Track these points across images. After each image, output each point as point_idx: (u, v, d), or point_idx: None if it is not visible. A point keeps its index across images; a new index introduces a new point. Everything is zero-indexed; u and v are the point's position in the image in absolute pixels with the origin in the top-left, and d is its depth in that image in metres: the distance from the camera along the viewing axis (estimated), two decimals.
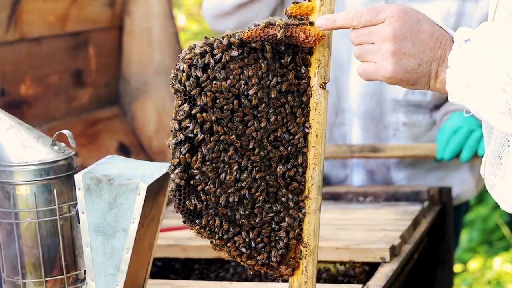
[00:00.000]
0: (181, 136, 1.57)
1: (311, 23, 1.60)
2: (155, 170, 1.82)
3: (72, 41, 2.79)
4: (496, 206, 4.89)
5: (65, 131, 1.85)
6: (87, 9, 2.82)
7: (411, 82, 1.53)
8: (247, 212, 1.62)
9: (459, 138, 2.61)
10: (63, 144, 1.89)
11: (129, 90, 3.00)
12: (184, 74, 1.55)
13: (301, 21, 1.59)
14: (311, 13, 1.60)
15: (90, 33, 2.87)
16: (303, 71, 1.64)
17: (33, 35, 2.63)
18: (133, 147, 2.96)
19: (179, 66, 1.56)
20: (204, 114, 1.56)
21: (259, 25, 1.55)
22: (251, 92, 1.58)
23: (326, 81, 1.63)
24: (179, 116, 1.57)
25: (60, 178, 1.82)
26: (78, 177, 1.76)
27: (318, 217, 1.67)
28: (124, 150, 2.94)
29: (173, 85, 1.58)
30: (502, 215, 4.92)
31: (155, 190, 1.80)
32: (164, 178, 1.82)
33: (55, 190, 1.81)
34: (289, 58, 1.61)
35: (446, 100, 2.71)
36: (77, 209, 1.79)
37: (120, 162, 1.86)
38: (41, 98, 2.68)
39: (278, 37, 1.56)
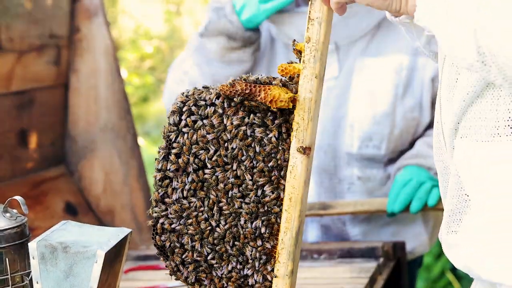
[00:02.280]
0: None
1: (284, 84, 1.59)
2: (112, 236, 1.75)
3: (16, 100, 2.72)
4: (439, 254, 4.87)
5: (17, 197, 1.78)
6: (31, 68, 2.75)
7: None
8: (214, 260, 1.64)
9: (409, 190, 2.57)
10: (14, 210, 1.81)
11: (76, 149, 2.94)
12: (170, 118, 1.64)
13: (281, 81, 1.59)
14: (294, 74, 1.59)
15: (35, 91, 2.80)
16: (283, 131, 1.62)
17: None
18: (80, 207, 2.89)
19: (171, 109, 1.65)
20: (179, 159, 1.62)
21: (233, 80, 1.60)
22: (233, 145, 1.60)
23: (304, 146, 1.58)
24: (159, 157, 1.65)
25: (12, 246, 1.74)
26: (32, 245, 1.69)
27: (288, 283, 1.62)
28: (71, 210, 2.86)
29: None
30: (446, 262, 4.91)
31: (112, 256, 1.74)
32: (121, 244, 1.75)
33: (7, 259, 1.73)
34: (272, 118, 1.60)
35: (401, 154, 2.68)
36: (31, 278, 1.71)
37: (75, 228, 1.79)
38: None
39: (238, 92, 1.58)
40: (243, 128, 1.61)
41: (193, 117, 1.64)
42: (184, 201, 1.65)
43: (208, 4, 2.74)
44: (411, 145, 2.69)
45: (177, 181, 1.65)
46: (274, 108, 1.58)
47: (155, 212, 1.67)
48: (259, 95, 1.57)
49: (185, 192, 1.65)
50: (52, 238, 1.71)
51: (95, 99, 2.92)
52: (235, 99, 1.60)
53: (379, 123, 2.57)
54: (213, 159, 1.64)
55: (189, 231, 1.65)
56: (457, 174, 1.57)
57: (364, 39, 2.61)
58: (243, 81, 1.59)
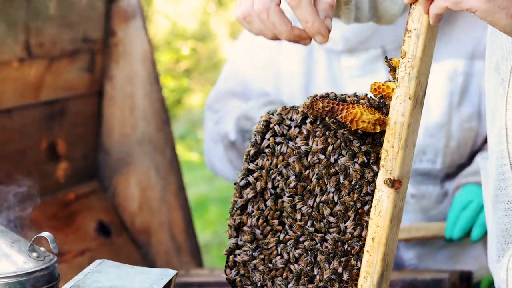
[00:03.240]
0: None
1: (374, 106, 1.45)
2: (155, 280, 1.55)
3: (46, 111, 2.63)
4: None
5: (45, 234, 1.57)
6: (63, 75, 2.66)
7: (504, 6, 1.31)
8: None
9: (469, 214, 2.45)
10: (42, 248, 1.61)
11: (110, 163, 2.85)
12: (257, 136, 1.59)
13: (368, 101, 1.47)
14: (390, 94, 1.45)
15: (67, 101, 2.71)
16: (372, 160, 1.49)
17: (3, 106, 2.47)
18: (114, 226, 2.81)
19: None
20: (257, 184, 1.57)
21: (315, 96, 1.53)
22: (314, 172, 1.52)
23: (392, 178, 1.42)
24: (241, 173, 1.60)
25: None
26: None
27: None
28: (104, 230, 2.78)
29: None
30: None
31: None
32: None
33: None
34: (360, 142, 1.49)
35: (459, 169, 2.56)
36: None
37: (111, 269, 1.58)
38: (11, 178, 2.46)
39: (320, 110, 1.48)
40: (327, 153, 1.51)
41: (277, 138, 1.56)
42: (258, 231, 1.57)
43: None
44: (471, 159, 2.56)
45: (253, 208, 1.57)
46: (355, 128, 1.45)
47: (230, 243, 1.60)
48: (340, 114, 1.45)
49: (260, 221, 1.56)
50: (86, 284, 1.49)
51: (131, 108, 2.83)
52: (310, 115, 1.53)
53: (433, 135, 2.47)
54: (292, 185, 1.53)
55: (261, 268, 1.56)
56: None
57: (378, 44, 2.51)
58: (326, 97, 1.48)
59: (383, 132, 1.45)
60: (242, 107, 2.62)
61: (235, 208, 1.58)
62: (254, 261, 1.57)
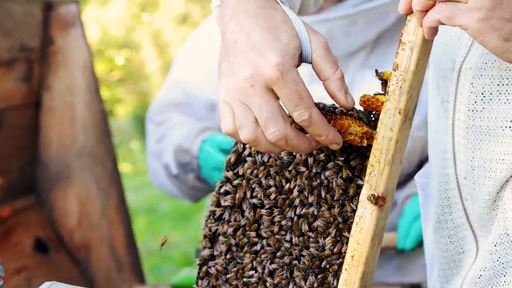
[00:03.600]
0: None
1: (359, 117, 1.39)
2: None
3: None
4: None
5: None
6: None
7: (505, 35, 1.26)
8: None
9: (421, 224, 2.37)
10: None
11: (47, 176, 2.77)
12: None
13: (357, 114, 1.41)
14: (380, 108, 1.39)
15: (2, 112, 2.63)
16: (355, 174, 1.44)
17: None
18: (51, 243, 2.72)
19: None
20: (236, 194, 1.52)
21: None
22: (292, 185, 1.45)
23: (376, 194, 1.37)
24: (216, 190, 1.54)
25: None
26: None
27: None
28: (41, 247, 2.69)
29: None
30: None
31: None
32: None
33: None
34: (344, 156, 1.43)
35: (408, 178, 2.54)
36: None
37: None
38: None
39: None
40: (309, 165, 1.45)
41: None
42: (233, 243, 1.52)
43: None
44: (419, 168, 2.56)
45: (230, 218, 1.51)
46: (341, 140, 1.39)
47: (204, 253, 1.53)
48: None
49: (237, 232, 1.51)
50: None
51: (70, 119, 2.76)
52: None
53: None
54: (272, 197, 1.48)
55: (234, 282, 1.50)
56: (506, 233, 1.40)
57: (363, 51, 2.51)
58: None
59: (369, 147, 1.40)
60: (179, 134, 2.57)
61: (211, 218, 1.52)
62: (227, 275, 1.51)
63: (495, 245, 1.41)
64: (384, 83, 1.38)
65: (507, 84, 1.37)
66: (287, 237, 1.46)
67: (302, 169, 1.45)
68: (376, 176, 1.37)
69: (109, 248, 2.76)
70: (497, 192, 1.39)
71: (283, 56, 1.27)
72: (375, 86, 2.41)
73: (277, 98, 1.29)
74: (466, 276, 1.48)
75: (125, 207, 2.80)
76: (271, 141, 1.30)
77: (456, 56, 1.44)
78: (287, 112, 1.31)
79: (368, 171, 1.38)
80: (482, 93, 1.39)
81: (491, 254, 1.42)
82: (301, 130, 1.35)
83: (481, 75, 1.40)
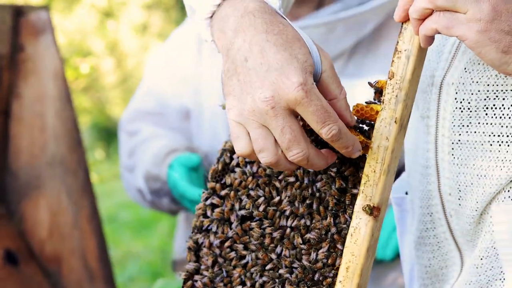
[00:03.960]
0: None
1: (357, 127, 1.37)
2: None
3: None
4: None
5: None
6: None
7: (503, 47, 1.24)
8: None
9: None
10: None
11: (17, 186, 2.73)
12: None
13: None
14: (374, 117, 1.36)
15: None
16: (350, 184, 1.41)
17: None
18: (21, 254, 2.68)
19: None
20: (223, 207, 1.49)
21: None
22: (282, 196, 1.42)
23: (372, 204, 1.35)
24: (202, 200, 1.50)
25: None
26: None
27: None
28: (11, 259, 2.66)
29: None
30: None
31: None
32: None
33: None
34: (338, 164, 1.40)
35: None
36: None
37: None
38: None
39: None
40: (300, 175, 1.41)
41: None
42: (220, 256, 1.48)
43: None
44: (397, 175, 2.51)
45: (217, 230, 1.47)
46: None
47: (189, 267, 1.49)
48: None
49: (224, 245, 1.47)
50: None
51: (41, 128, 2.72)
52: None
53: None
54: (261, 208, 1.44)
55: None
56: (492, 247, 1.38)
57: (340, 59, 2.50)
58: None
59: (362, 157, 1.38)
60: (147, 161, 2.55)
61: (196, 230, 1.48)
62: None
63: (481, 259, 1.39)
64: (378, 92, 1.36)
65: (494, 98, 1.36)
66: (278, 250, 1.43)
67: (291, 179, 1.42)
68: (372, 186, 1.35)
69: (81, 260, 2.73)
70: (484, 207, 1.38)
71: (304, 75, 1.24)
72: (353, 94, 2.40)
73: (297, 116, 1.26)
74: None
75: (97, 217, 2.76)
76: (293, 161, 1.27)
77: (435, 70, 1.42)
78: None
79: (363, 181, 1.36)
80: (469, 108, 1.37)
81: (477, 267, 1.40)
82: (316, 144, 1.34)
83: (466, 90, 1.38)
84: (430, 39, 1.29)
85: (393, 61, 1.32)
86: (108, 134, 7.71)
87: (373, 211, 1.35)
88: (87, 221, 2.75)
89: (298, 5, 2.52)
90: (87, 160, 2.81)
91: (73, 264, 2.71)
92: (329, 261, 1.38)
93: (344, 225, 1.38)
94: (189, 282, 1.48)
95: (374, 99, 1.37)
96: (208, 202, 1.47)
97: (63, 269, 2.70)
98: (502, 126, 1.35)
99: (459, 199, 1.40)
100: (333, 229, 1.39)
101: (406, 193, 1.56)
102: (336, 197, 1.39)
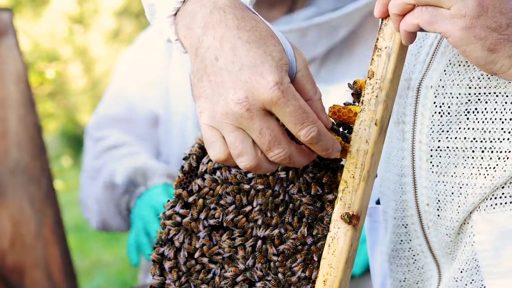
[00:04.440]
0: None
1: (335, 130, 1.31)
2: None
3: None
4: None
5: None
6: None
7: (489, 45, 1.18)
8: None
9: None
10: None
11: None
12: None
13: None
14: (352, 119, 1.30)
15: None
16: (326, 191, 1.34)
17: None
18: None
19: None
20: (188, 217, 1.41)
21: None
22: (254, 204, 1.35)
23: (351, 212, 1.28)
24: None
25: None
26: None
27: None
28: None
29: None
30: None
31: None
32: None
33: None
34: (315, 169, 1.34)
35: None
36: None
37: None
38: None
39: None
40: (271, 182, 1.35)
41: (215, 163, 1.38)
42: (186, 269, 1.40)
43: None
44: None
45: (183, 241, 1.40)
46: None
47: (154, 282, 1.42)
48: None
49: (193, 256, 1.40)
50: None
51: (2, 134, 2.67)
52: None
53: None
54: (230, 217, 1.37)
55: None
56: (473, 258, 1.31)
57: (313, 64, 2.48)
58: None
59: (339, 161, 1.32)
60: (119, 172, 2.51)
61: (161, 241, 1.40)
62: None
63: (461, 271, 1.33)
64: (356, 93, 1.30)
65: (476, 102, 1.29)
66: (250, 262, 1.36)
67: (260, 187, 1.36)
68: (351, 193, 1.29)
69: (44, 271, 2.67)
70: (465, 217, 1.31)
71: (279, 74, 1.17)
72: (327, 100, 2.37)
73: (273, 115, 1.20)
74: None
75: (62, 227, 2.70)
76: (275, 161, 1.21)
77: (412, 73, 1.36)
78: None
79: (341, 188, 1.29)
80: (449, 113, 1.31)
81: (456, 281, 1.33)
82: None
83: (446, 94, 1.31)
84: (412, 36, 1.22)
85: (372, 59, 1.26)
86: (77, 141, 7.66)
87: (352, 219, 1.29)
88: (51, 230, 2.68)
89: (269, 8, 2.48)
90: (51, 168, 2.75)
91: (36, 276, 2.66)
92: (306, 273, 1.32)
93: (321, 235, 1.31)
94: None
95: (354, 102, 1.31)
96: (174, 210, 1.40)
97: (25, 281, 2.65)
98: (484, 131, 1.28)
99: (438, 209, 1.33)
100: (309, 240, 1.32)
101: (378, 202, 1.49)
102: (310, 205, 1.33)
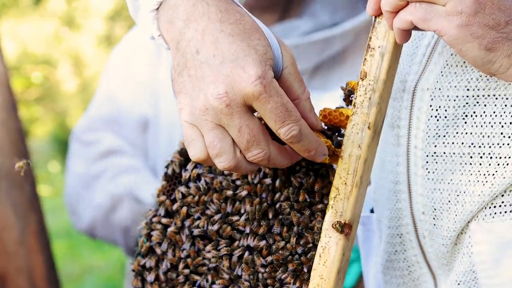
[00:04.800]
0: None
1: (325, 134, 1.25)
2: None
3: None
4: None
5: None
6: None
7: (487, 44, 1.13)
8: None
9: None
10: None
11: None
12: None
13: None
14: (344, 122, 1.25)
15: None
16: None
17: None
18: None
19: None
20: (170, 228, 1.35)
21: None
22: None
23: (343, 221, 1.23)
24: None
25: None
26: None
27: None
28: None
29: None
30: None
31: None
32: None
33: None
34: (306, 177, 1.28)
35: None
36: None
37: None
38: None
39: None
40: (258, 190, 1.30)
41: (199, 169, 1.32)
42: (170, 280, 1.35)
43: None
44: None
45: (166, 251, 1.35)
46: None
47: None
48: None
49: (174, 269, 1.35)
50: None
51: None
52: None
53: None
54: (216, 228, 1.32)
55: None
56: (471, 270, 1.25)
57: (305, 72, 2.46)
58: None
59: (330, 167, 1.26)
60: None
61: (142, 252, 1.35)
62: None
63: (459, 284, 1.27)
64: (348, 94, 1.25)
65: (474, 105, 1.23)
66: (238, 273, 1.31)
67: (245, 193, 1.31)
68: (342, 200, 1.23)
69: (27, 279, 2.62)
70: (462, 227, 1.25)
71: (263, 68, 1.12)
72: (320, 107, 2.37)
73: (254, 112, 1.15)
74: None
75: (45, 233, 2.66)
76: (253, 162, 1.16)
77: (407, 75, 1.30)
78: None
79: (332, 195, 1.24)
80: (445, 116, 1.25)
81: None
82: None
83: (443, 96, 1.25)
84: (406, 34, 1.17)
85: (365, 59, 1.20)
86: (66, 146, 7.59)
87: (344, 228, 1.23)
88: (34, 237, 2.64)
89: (260, 13, 2.44)
90: (34, 173, 2.70)
91: (19, 284, 2.61)
92: (297, 284, 1.27)
93: (311, 245, 1.26)
94: None
95: (347, 106, 1.25)
96: (155, 220, 1.35)
97: None
98: (483, 136, 1.22)
99: (434, 218, 1.27)
100: (299, 249, 1.27)
101: (372, 211, 1.43)
102: (299, 213, 1.28)
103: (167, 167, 1.34)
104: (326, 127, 1.26)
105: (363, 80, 1.21)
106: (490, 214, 1.22)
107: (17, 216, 2.61)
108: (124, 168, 2.49)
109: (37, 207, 2.65)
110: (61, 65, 7.39)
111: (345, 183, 1.23)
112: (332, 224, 1.23)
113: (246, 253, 1.29)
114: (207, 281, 1.31)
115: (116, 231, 2.50)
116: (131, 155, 2.51)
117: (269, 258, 1.28)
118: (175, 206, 1.33)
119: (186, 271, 1.32)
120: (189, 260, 1.32)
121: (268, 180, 1.28)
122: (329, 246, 1.24)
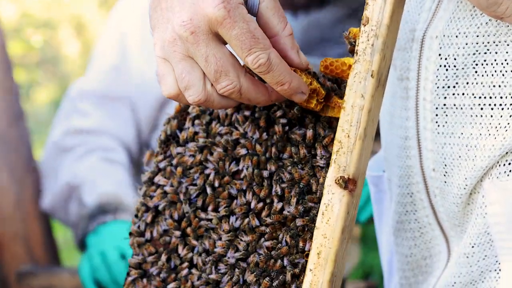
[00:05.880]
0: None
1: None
2: None
3: None
4: None
5: None
6: None
7: None
8: None
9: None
10: None
11: None
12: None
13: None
14: (346, 72, 1.19)
15: None
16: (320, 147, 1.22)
17: None
18: None
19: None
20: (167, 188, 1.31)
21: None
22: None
23: (346, 176, 1.16)
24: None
25: None
26: None
27: None
28: None
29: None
30: None
31: None
32: None
33: None
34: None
35: None
36: None
37: None
38: None
39: None
40: (258, 150, 1.25)
41: (196, 128, 1.28)
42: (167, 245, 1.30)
43: None
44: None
45: (164, 218, 1.30)
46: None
47: (133, 261, 1.32)
48: None
49: (173, 234, 1.30)
50: None
51: None
52: None
53: None
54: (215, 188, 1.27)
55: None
56: (486, 232, 1.19)
57: None
58: None
59: (335, 119, 1.20)
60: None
61: (140, 213, 1.31)
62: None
63: (473, 246, 1.21)
64: (351, 45, 1.18)
65: (485, 53, 1.16)
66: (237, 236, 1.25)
67: (243, 151, 1.25)
68: (346, 154, 1.17)
69: (24, 245, 2.63)
70: (474, 185, 1.18)
71: None
72: None
73: (225, 43, 1.10)
74: (436, 283, 1.27)
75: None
76: (224, 95, 1.11)
77: (417, 23, 1.23)
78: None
79: (335, 149, 1.17)
80: (455, 66, 1.18)
81: (467, 257, 1.21)
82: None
83: (452, 44, 1.18)
84: None
85: (367, 3, 1.13)
86: None
87: (348, 184, 1.17)
88: (31, 202, 2.64)
89: None
90: (30, 136, 2.70)
91: (16, 250, 2.64)
92: (300, 244, 1.21)
93: (312, 204, 1.21)
94: (129, 279, 1.31)
95: (350, 53, 1.19)
96: (154, 181, 1.30)
97: (4, 255, 2.62)
98: (494, 85, 1.15)
99: (444, 175, 1.21)
100: (300, 208, 1.22)
101: (384, 171, 1.37)
102: (302, 169, 1.23)
103: (164, 122, 1.31)
104: (328, 79, 1.21)
105: (365, 25, 1.15)
106: (505, 171, 1.16)
107: (13, 180, 2.63)
108: (96, 147, 2.48)
109: (34, 171, 2.66)
110: (62, 28, 7.32)
111: (348, 136, 1.17)
112: (335, 180, 1.17)
113: (246, 219, 1.24)
114: (204, 248, 1.26)
115: (71, 219, 2.49)
116: (110, 137, 2.50)
117: (268, 220, 1.23)
118: (165, 163, 1.30)
119: (189, 229, 1.28)
120: (191, 220, 1.28)
121: (264, 135, 1.24)
122: (332, 203, 1.18)
